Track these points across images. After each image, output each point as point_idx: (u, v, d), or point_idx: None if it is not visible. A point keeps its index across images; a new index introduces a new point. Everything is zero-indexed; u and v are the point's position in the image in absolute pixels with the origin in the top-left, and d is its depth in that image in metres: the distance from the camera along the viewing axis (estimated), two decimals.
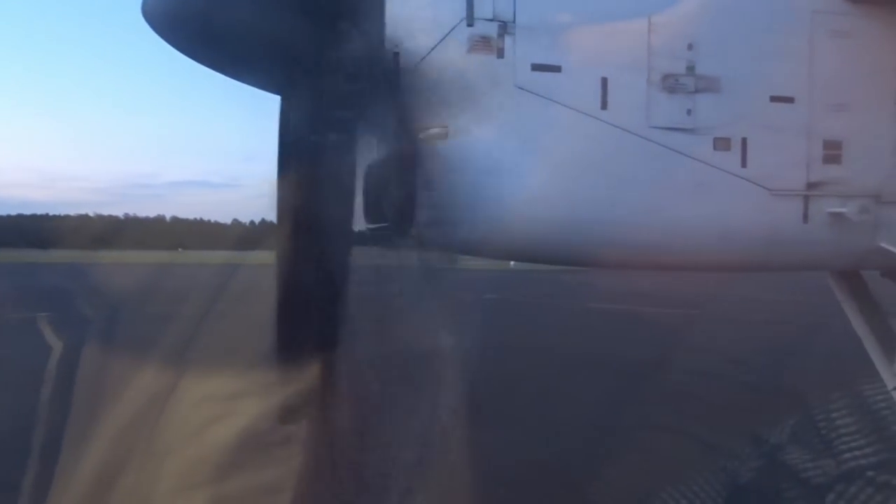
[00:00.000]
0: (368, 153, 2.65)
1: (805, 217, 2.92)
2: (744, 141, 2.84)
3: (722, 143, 2.81)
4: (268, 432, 4.51)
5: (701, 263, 3.21)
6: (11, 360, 10.50)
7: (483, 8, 2.59)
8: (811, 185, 2.93)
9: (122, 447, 4.52)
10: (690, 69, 2.78)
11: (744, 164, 2.85)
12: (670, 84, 2.77)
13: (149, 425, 4.63)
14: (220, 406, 5.05)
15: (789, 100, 2.89)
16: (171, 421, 4.80)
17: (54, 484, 4.20)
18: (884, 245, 3.00)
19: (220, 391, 5.25)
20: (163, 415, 4.85)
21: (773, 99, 2.89)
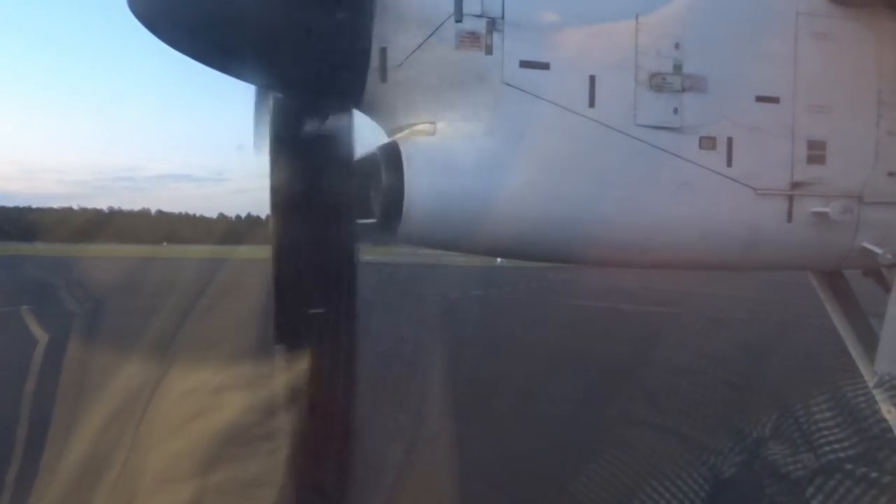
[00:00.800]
0: (356, 148, 2.65)
1: (789, 216, 2.95)
2: (729, 140, 2.87)
3: (708, 143, 2.83)
4: (253, 426, 4.51)
5: (685, 262, 3.24)
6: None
7: (472, 4, 2.60)
8: (795, 185, 2.96)
9: (108, 440, 4.52)
10: (677, 68, 2.80)
11: (729, 164, 2.88)
12: (657, 83, 2.78)
13: (135, 418, 4.62)
14: (206, 399, 5.05)
15: (774, 100, 2.92)
16: (157, 414, 4.80)
17: (41, 476, 4.18)
18: (866, 245, 3.04)
19: (205, 385, 5.26)
20: (149, 408, 4.86)
21: (759, 99, 2.92)
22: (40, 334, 12.18)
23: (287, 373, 2.82)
